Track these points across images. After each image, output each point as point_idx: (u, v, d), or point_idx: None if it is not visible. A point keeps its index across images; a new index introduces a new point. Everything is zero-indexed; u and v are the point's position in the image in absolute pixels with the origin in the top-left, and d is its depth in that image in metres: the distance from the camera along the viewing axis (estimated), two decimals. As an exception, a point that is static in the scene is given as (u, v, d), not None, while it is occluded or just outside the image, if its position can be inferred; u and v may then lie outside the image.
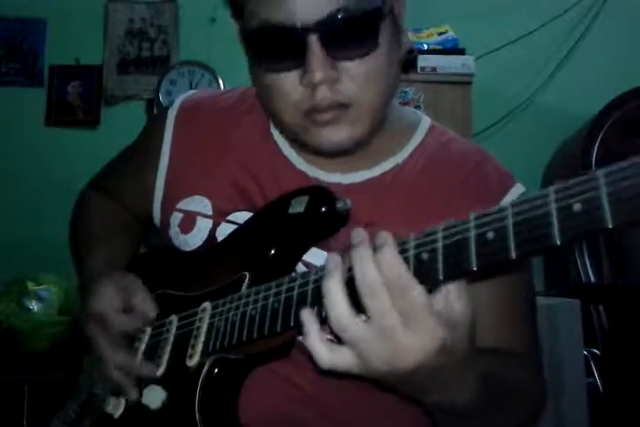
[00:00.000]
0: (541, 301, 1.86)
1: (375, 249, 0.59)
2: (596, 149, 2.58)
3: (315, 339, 0.62)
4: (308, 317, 0.63)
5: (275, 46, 0.81)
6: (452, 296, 0.59)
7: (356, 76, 0.81)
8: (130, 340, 0.92)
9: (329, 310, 0.60)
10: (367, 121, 0.85)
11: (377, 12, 0.81)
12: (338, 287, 0.60)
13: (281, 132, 0.94)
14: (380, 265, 0.58)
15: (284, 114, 0.85)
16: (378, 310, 0.58)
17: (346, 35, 0.79)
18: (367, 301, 0.58)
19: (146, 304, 0.90)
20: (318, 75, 0.78)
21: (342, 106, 0.82)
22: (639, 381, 2.10)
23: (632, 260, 2.48)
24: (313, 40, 0.78)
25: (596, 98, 2.69)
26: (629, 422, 2.08)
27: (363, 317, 0.60)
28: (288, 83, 0.82)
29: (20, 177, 2.86)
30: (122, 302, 0.90)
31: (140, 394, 0.86)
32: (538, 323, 0.95)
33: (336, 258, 0.63)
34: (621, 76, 2.88)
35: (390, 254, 0.58)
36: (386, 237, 0.60)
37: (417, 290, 0.57)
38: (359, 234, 0.62)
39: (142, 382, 0.87)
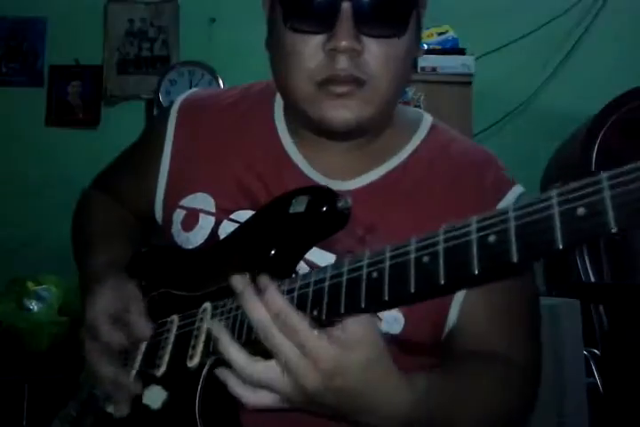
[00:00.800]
0: (542, 301, 1.86)
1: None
2: (595, 148, 2.58)
3: (237, 385, 0.69)
4: (214, 325, 0.72)
5: (308, 6, 0.81)
6: (350, 321, 0.63)
7: (378, 56, 0.82)
8: (122, 350, 0.91)
9: (234, 365, 0.68)
10: (377, 104, 0.85)
11: (411, 0, 0.84)
12: (233, 345, 0.69)
13: (292, 108, 0.92)
14: (266, 306, 0.65)
15: (298, 81, 0.84)
16: (272, 347, 0.65)
17: (378, 12, 0.80)
18: (264, 341, 0.66)
19: (140, 321, 0.89)
20: (344, 42, 0.79)
21: (358, 82, 0.82)
22: (639, 381, 2.10)
23: (632, 260, 2.48)
24: (346, 8, 0.79)
25: (596, 98, 2.69)
26: (629, 422, 2.08)
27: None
28: (311, 46, 0.82)
29: (20, 177, 2.86)
30: (116, 313, 0.89)
31: (140, 395, 0.86)
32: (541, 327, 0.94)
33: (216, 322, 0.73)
34: (621, 76, 2.88)
35: (272, 293, 0.65)
36: (266, 282, 0.67)
37: (299, 319, 0.63)
38: (239, 281, 0.69)
39: (144, 381, 0.87)
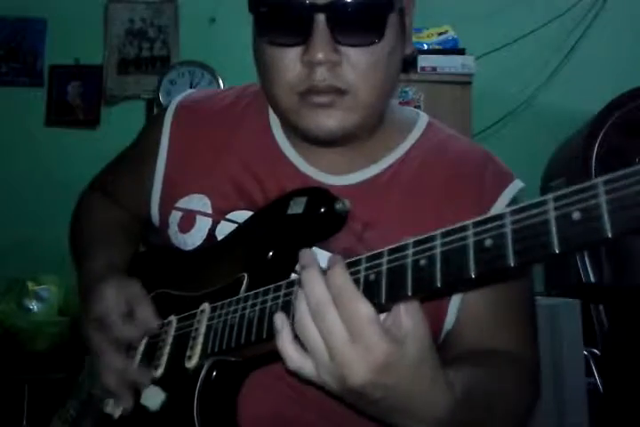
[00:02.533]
0: (542, 301, 1.86)
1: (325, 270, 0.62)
2: (596, 148, 2.58)
3: (285, 340, 0.64)
4: (280, 319, 0.65)
5: (281, 19, 0.81)
6: (402, 313, 0.60)
7: (357, 64, 0.81)
8: (128, 345, 0.91)
9: (296, 313, 0.63)
10: (361, 112, 0.84)
11: (387, 4, 0.82)
12: (304, 302, 0.63)
13: (279, 116, 0.93)
14: (328, 283, 0.61)
15: (280, 93, 0.84)
16: (324, 329, 0.60)
17: (353, 20, 0.79)
18: (316, 320, 0.61)
19: (148, 316, 0.89)
20: (320, 55, 0.78)
21: (339, 92, 0.81)
22: (639, 381, 2.10)
23: (632, 260, 2.48)
24: (320, 19, 0.78)
25: (596, 98, 2.69)
26: (629, 422, 2.08)
27: None
28: (288, 58, 0.81)
29: (20, 177, 2.86)
30: (124, 308, 0.90)
31: (138, 397, 0.86)
32: (538, 325, 0.95)
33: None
34: (621, 76, 2.88)
35: (337, 272, 0.60)
36: (336, 259, 0.62)
37: (362, 304, 0.59)
38: (306, 255, 0.65)
39: (139, 390, 0.87)
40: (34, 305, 2.41)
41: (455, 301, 0.87)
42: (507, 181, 0.92)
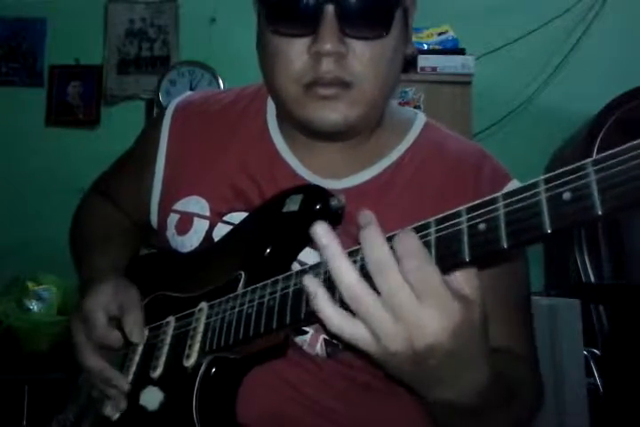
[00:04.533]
0: (541, 301, 1.86)
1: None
2: (596, 149, 2.58)
3: (323, 300, 0.58)
4: (311, 281, 0.60)
5: (290, 9, 0.81)
6: (461, 278, 0.58)
7: (363, 58, 0.82)
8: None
9: (339, 280, 0.57)
10: (364, 105, 0.84)
11: (394, 0, 0.83)
12: (344, 260, 0.58)
13: (281, 110, 0.92)
14: (398, 243, 0.56)
15: (284, 84, 0.84)
16: (388, 289, 0.55)
17: (361, 13, 0.80)
18: (377, 279, 0.56)
19: (135, 327, 0.88)
20: (327, 45, 0.79)
21: (344, 84, 0.82)
22: (639, 381, 2.10)
23: (632, 260, 2.48)
24: (329, 10, 0.79)
25: (596, 98, 2.68)
26: (629, 422, 2.08)
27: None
28: (295, 49, 0.82)
29: (20, 177, 2.86)
30: (114, 311, 0.89)
31: (137, 396, 0.86)
32: (536, 322, 0.95)
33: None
34: (621, 76, 2.88)
35: (410, 233, 0.56)
36: (367, 215, 0.59)
37: (434, 266, 0.55)
38: (366, 216, 0.60)
39: (140, 383, 0.87)
40: (34, 305, 2.41)
41: None
42: (504, 181, 0.93)
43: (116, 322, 0.90)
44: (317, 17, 0.79)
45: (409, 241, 0.56)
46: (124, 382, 0.87)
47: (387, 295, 0.56)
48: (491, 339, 0.85)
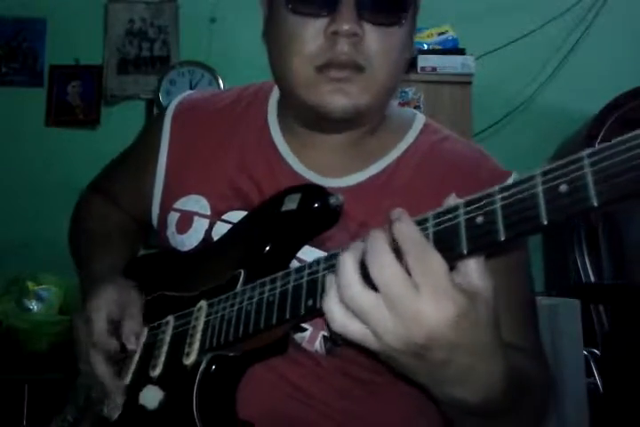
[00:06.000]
0: (541, 301, 1.86)
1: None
2: (596, 148, 2.58)
3: (333, 298, 0.58)
4: (330, 279, 0.59)
5: None
6: (470, 269, 0.57)
7: (377, 44, 0.83)
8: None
9: (340, 278, 0.57)
10: (374, 93, 0.85)
11: None
12: (350, 259, 0.57)
13: (288, 96, 0.92)
14: (396, 232, 0.55)
15: (297, 66, 0.84)
16: (383, 281, 0.54)
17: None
18: (373, 271, 0.55)
19: (132, 331, 0.89)
20: (346, 26, 0.79)
21: (357, 68, 0.82)
22: (639, 381, 2.10)
23: (632, 260, 2.48)
24: None
25: (596, 98, 2.69)
26: (629, 422, 2.08)
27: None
28: (312, 29, 0.82)
29: (20, 177, 2.86)
30: (115, 313, 0.90)
31: (137, 396, 0.86)
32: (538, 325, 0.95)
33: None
34: (621, 76, 2.88)
35: (405, 222, 0.56)
36: (400, 212, 0.57)
37: (435, 254, 0.54)
38: (396, 211, 0.58)
39: (140, 382, 0.87)
40: (34, 305, 2.41)
41: None
42: (503, 180, 0.92)
43: (117, 324, 0.90)
44: None
45: (407, 229, 0.55)
46: (122, 384, 0.87)
47: (383, 289, 0.55)
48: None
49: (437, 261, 0.54)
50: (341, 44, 0.81)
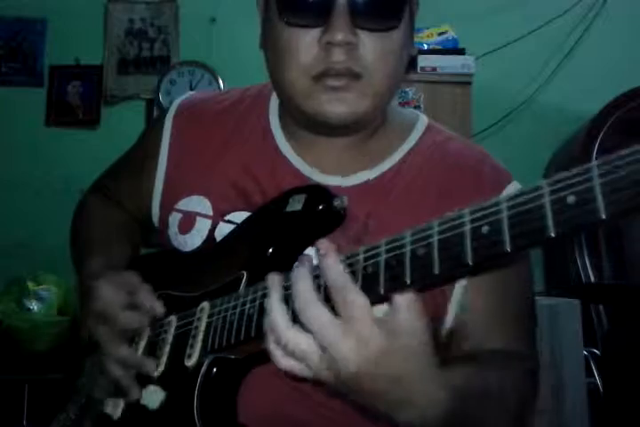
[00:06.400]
0: (541, 301, 1.86)
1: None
2: (595, 149, 2.58)
3: (271, 341, 0.64)
4: (267, 322, 0.65)
5: (302, 0, 0.82)
6: (398, 306, 0.60)
7: (373, 50, 0.82)
8: (131, 339, 0.91)
9: (272, 324, 0.64)
10: (372, 98, 0.85)
11: None
12: (277, 304, 0.64)
13: (287, 104, 0.92)
14: (321, 271, 0.61)
15: (294, 76, 0.84)
16: (314, 328, 0.60)
17: (373, 6, 0.81)
18: (303, 319, 0.61)
19: (150, 300, 0.89)
20: (340, 35, 0.79)
21: (354, 75, 0.82)
22: (639, 381, 2.10)
23: (632, 260, 2.48)
24: (341, 1, 0.80)
25: (596, 98, 2.69)
26: (629, 422, 2.08)
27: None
28: (306, 40, 0.82)
29: (19, 177, 2.86)
30: (124, 300, 0.90)
31: (139, 394, 0.86)
32: (538, 325, 0.95)
33: (276, 277, 0.67)
34: (621, 76, 2.88)
35: (330, 263, 0.61)
36: (327, 247, 0.62)
37: (355, 294, 0.59)
38: (324, 244, 0.64)
39: (141, 382, 0.87)
40: (34, 305, 2.41)
41: (455, 298, 0.87)
42: (505, 182, 0.93)
43: (131, 308, 0.90)
44: (329, 7, 0.80)
45: (331, 269, 0.60)
46: (153, 365, 0.87)
47: (315, 334, 0.61)
48: (489, 340, 0.85)
49: (358, 301, 0.59)
50: (336, 53, 0.81)
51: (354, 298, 0.59)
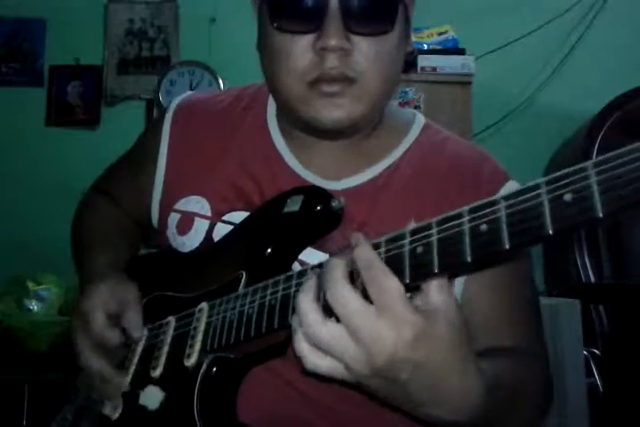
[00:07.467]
0: (541, 301, 1.86)
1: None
2: (596, 149, 2.58)
3: (300, 339, 0.61)
4: (296, 320, 0.62)
5: (294, 6, 0.82)
6: (432, 290, 0.59)
7: (367, 54, 0.82)
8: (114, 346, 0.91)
9: (300, 318, 0.60)
10: (367, 102, 0.85)
11: None
12: (307, 298, 0.61)
13: (283, 108, 0.92)
14: (355, 258, 0.59)
15: (288, 82, 0.84)
16: (344, 312, 0.58)
17: (365, 9, 0.81)
18: (333, 304, 0.58)
19: (135, 323, 0.89)
20: (333, 41, 0.79)
21: (348, 80, 0.82)
22: (639, 381, 2.10)
23: (632, 260, 2.48)
24: (334, 6, 0.80)
25: (596, 98, 2.69)
26: (629, 422, 2.08)
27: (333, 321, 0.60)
28: (299, 47, 0.82)
29: (19, 177, 2.86)
30: (113, 309, 0.90)
31: (137, 396, 0.86)
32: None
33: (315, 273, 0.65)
34: (621, 76, 2.88)
35: (365, 247, 0.59)
36: (358, 237, 0.61)
37: (391, 278, 0.57)
38: (356, 236, 0.62)
39: (141, 382, 0.87)
40: (34, 305, 2.41)
41: (456, 297, 0.87)
42: (502, 181, 0.93)
43: (116, 320, 0.90)
44: (322, 13, 0.80)
45: (364, 254, 0.58)
46: (123, 380, 0.87)
47: (344, 320, 0.58)
48: (496, 339, 0.85)
49: (393, 285, 0.57)
50: (330, 59, 0.81)
51: (389, 279, 0.57)
